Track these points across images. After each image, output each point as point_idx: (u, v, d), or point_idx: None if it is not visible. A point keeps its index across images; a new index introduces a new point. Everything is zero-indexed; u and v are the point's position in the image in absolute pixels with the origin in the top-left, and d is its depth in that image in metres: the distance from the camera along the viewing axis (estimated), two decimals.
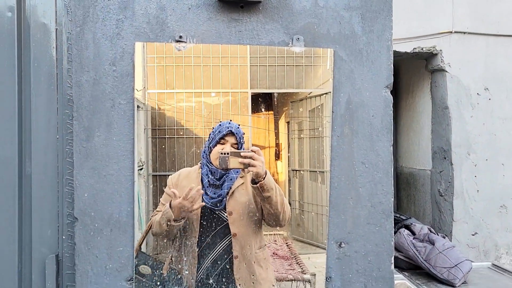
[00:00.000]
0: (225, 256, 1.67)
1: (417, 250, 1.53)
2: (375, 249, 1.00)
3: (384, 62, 0.99)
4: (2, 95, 0.97)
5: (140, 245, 1.92)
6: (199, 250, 1.77)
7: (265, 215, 1.67)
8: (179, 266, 1.77)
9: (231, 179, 1.68)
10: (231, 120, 1.79)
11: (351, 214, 1.00)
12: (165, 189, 1.76)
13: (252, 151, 1.50)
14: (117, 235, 0.95)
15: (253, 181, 1.61)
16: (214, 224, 1.70)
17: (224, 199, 1.64)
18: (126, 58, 0.96)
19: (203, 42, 0.99)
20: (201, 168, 1.74)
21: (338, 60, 1.00)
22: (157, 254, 1.93)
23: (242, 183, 1.65)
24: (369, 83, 0.99)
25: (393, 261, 1.00)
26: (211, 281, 1.70)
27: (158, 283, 1.83)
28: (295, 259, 4.16)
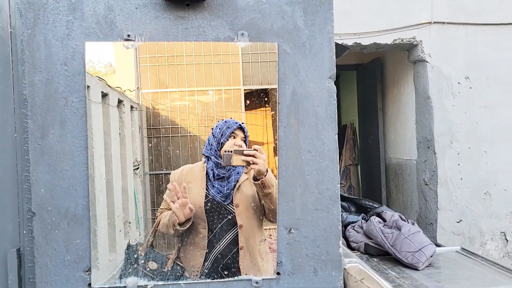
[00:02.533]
0: (232, 247, 1.76)
1: (385, 236, 1.57)
2: (323, 233, 1.04)
3: (327, 54, 1.03)
4: None
5: (147, 243, 1.99)
6: (208, 241, 1.88)
7: (265, 210, 1.74)
8: (187, 258, 1.84)
9: (238, 173, 1.76)
10: (231, 117, 1.90)
11: (299, 201, 1.04)
12: (168, 185, 1.83)
13: (254, 149, 1.60)
14: (74, 228, 0.99)
15: (255, 178, 1.71)
16: (221, 216, 1.78)
17: (232, 192, 1.75)
18: (77, 58, 1.00)
19: (151, 40, 1.03)
20: (206, 163, 1.83)
21: (282, 54, 1.04)
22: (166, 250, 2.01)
23: (247, 178, 1.74)
24: (313, 75, 1.03)
25: (341, 244, 1.04)
26: (218, 270, 1.80)
27: (163, 277, 1.91)
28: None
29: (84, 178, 1.00)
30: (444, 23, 3.03)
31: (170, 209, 1.76)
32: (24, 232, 1.01)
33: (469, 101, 3.00)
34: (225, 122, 1.86)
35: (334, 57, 1.03)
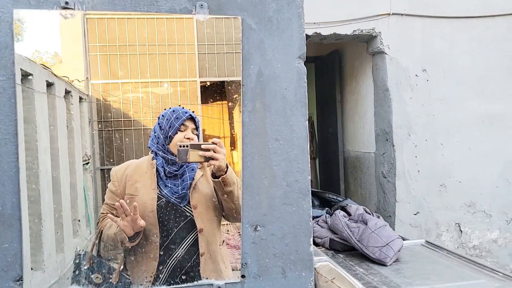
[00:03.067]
0: (191, 254, 1.56)
1: (351, 231, 1.50)
2: (292, 230, 0.94)
3: (296, 30, 0.92)
4: None
5: (92, 250, 1.78)
6: (161, 249, 1.64)
7: (224, 209, 1.56)
8: (137, 270, 1.65)
9: (192, 169, 1.57)
10: (180, 105, 1.68)
11: (266, 195, 0.93)
12: (108, 185, 1.62)
13: (213, 143, 1.41)
14: (1, 230, 0.84)
15: (214, 175, 1.50)
16: (177, 220, 1.57)
17: (188, 192, 1.55)
18: (4, 28, 0.84)
19: (94, 9, 0.88)
20: (155, 159, 1.64)
21: (246, 29, 0.92)
22: (111, 258, 1.80)
23: (203, 175, 1.56)
24: (281, 54, 0.92)
25: (311, 242, 0.95)
26: (176, 281, 1.58)
27: None
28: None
29: (13, 171, 0.84)
30: (402, 14, 3.02)
31: (114, 214, 1.54)
32: None
33: (426, 93, 3.01)
34: (173, 111, 1.64)
35: (304, 34, 0.93)
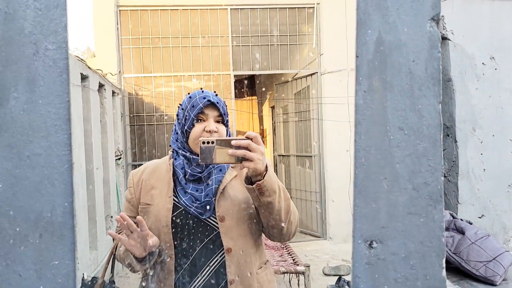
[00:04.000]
0: (217, 281, 1.25)
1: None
2: (419, 248, 0.72)
3: None
4: None
5: (103, 276, 1.52)
6: (177, 276, 1.29)
7: (264, 225, 1.28)
8: None
9: (220, 170, 1.28)
10: (202, 89, 1.41)
11: (385, 202, 0.71)
12: (125, 193, 1.37)
13: (247, 137, 1.11)
14: (50, 243, 0.65)
15: (248, 181, 1.19)
16: (199, 236, 1.27)
17: (213, 199, 1.26)
18: None
19: None
20: (174, 159, 1.32)
21: None
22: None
23: (236, 176, 1.27)
24: (408, 14, 0.70)
25: (444, 264, 0.73)
26: None
27: None
28: (286, 249, 3.83)
29: (65, 167, 0.65)
30: None
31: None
32: None
33: (494, 83, 2.73)
34: (190, 97, 1.31)
35: None
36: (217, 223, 1.28)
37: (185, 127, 1.31)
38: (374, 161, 0.70)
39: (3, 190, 0.64)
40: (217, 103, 1.28)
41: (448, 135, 2.84)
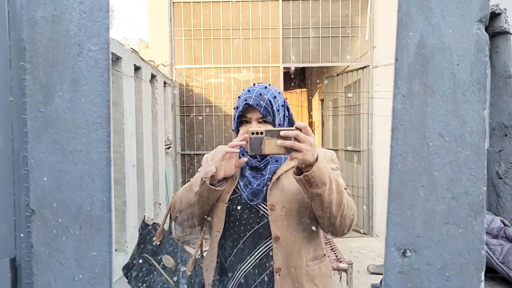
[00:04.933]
0: (263, 268, 1.28)
1: (490, 250, 1.21)
2: (457, 260, 0.69)
3: None
4: None
5: (163, 224, 1.61)
6: (226, 257, 1.35)
7: (316, 217, 1.29)
8: (204, 265, 1.45)
9: (276, 161, 1.31)
10: (255, 84, 1.42)
11: (421, 210, 0.69)
12: (198, 170, 1.42)
13: (296, 128, 1.11)
14: (88, 234, 0.68)
15: (298, 171, 1.19)
16: (249, 221, 1.31)
17: (264, 188, 1.30)
18: None
19: None
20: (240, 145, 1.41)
21: None
22: (185, 238, 1.61)
23: (293, 167, 1.29)
24: (454, 16, 0.66)
25: (483, 278, 0.69)
26: None
27: (177, 285, 1.52)
28: (329, 244, 3.79)
29: (104, 163, 0.68)
30: None
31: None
32: (22, 235, 0.71)
33: None
34: (239, 97, 1.35)
35: None
36: (267, 211, 1.30)
37: (234, 125, 1.36)
38: (411, 167, 0.68)
39: (48, 183, 0.68)
40: (257, 105, 1.28)
41: (506, 135, 2.68)
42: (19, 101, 0.70)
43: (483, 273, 0.69)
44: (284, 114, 1.35)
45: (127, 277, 1.61)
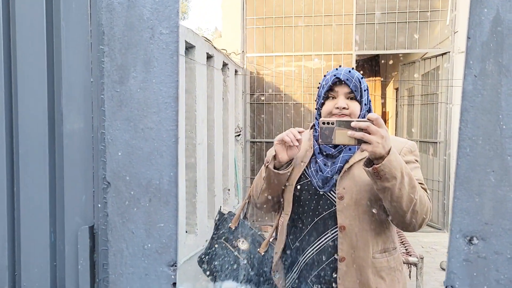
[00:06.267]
0: (327, 255, 1.29)
1: None
2: None
3: None
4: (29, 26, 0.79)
5: (241, 211, 1.68)
6: (293, 240, 1.38)
7: (387, 209, 1.27)
8: (277, 247, 1.49)
9: (350, 149, 1.30)
10: (340, 66, 1.42)
11: (491, 196, 0.65)
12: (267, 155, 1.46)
13: (368, 119, 1.10)
14: (157, 207, 0.73)
15: (368, 162, 1.17)
16: (319, 207, 1.32)
17: (335, 176, 1.29)
18: None
19: None
20: (314, 131, 1.40)
21: None
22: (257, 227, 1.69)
23: (366, 156, 1.28)
24: None
25: None
26: (308, 282, 1.32)
27: (253, 264, 1.58)
28: (400, 238, 3.68)
29: (172, 141, 0.72)
30: None
31: None
32: (99, 206, 0.78)
33: None
34: (324, 76, 1.34)
35: None
36: (335, 200, 1.30)
37: (318, 103, 1.36)
38: (481, 151, 0.65)
39: (122, 157, 0.73)
40: (347, 79, 1.28)
41: None
42: (98, 82, 0.75)
43: None
44: (368, 98, 1.34)
45: (201, 266, 1.70)
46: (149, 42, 0.71)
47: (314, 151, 1.37)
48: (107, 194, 0.74)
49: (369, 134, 1.08)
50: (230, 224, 1.67)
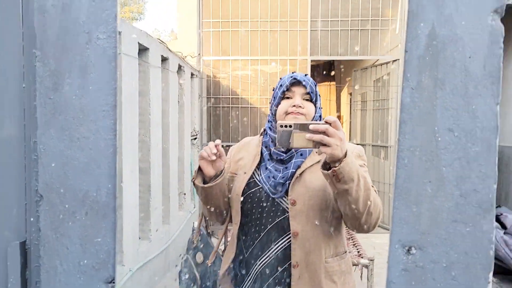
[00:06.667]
0: (281, 262, 1.29)
1: (510, 250, 1.16)
2: (463, 259, 0.67)
3: None
4: None
5: (199, 224, 1.65)
6: (246, 248, 1.36)
7: (342, 213, 1.27)
8: (225, 258, 1.46)
9: (301, 154, 1.30)
10: (295, 71, 1.44)
11: (428, 206, 0.67)
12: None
13: (326, 122, 1.09)
14: (94, 220, 0.70)
15: (326, 165, 1.18)
16: (271, 214, 1.31)
17: (286, 182, 1.29)
18: None
19: None
20: (264, 136, 1.39)
21: None
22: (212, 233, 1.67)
23: (319, 161, 1.25)
24: (467, 6, 0.64)
25: (491, 279, 0.67)
26: None
27: (203, 275, 1.55)
28: (352, 239, 3.76)
29: (111, 150, 0.69)
30: None
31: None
32: (32, 220, 0.73)
33: None
34: (280, 79, 1.35)
35: None
36: (287, 206, 1.30)
37: (273, 105, 1.35)
38: (418, 162, 0.66)
39: (56, 169, 0.69)
40: (304, 81, 1.29)
41: None
42: (31, 87, 0.71)
43: (491, 274, 0.67)
44: (320, 104, 1.36)
45: (180, 283, 1.68)
46: (85, 47, 0.68)
47: (264, 157, 1.36)
48: (39, 207, 0.70)
49: (328, 136, 1.09)
50: (193, 239, 1.65)
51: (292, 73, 1.35)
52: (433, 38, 0.64)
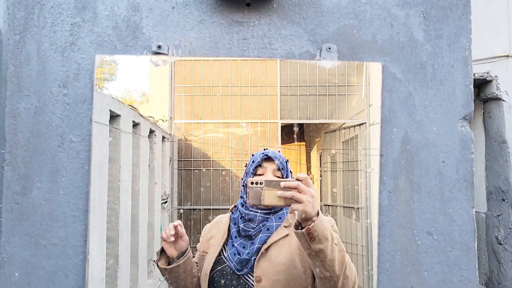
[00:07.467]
0: None
1: None
2: None
3: (460, 81, 0.67)
4: None
5: None
6: None
7: (316, 279, 1.22)
8: None
9: (268, 229, 1.26)
10: (266, 148, 1.45)
11: None
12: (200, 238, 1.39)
13: (297, 179, 1.10)
14: None
15: (298, 225, 1.18)
16: None
17: (252, 258, 1.26)
18: (83, 78, 0.68)
19: (192, 55, 0.69)
20: (233, 213, 1.39)
21: (389, 79, 0.68)
22: None
23: (286, 235, 1.23)
24: (438, 113, 0.66)
25: None
26: None
27: None
28: None
29: (80, 257, 0.65)
30: None
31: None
32: None
33: None
34: (253, 155, 1.40)
35: (471, 87, 0.66)
36: (252, 283, 1.25)
37: (245, 181, 1.33)
38: (399, 267, 0.65)
39: (20, 278, 0.65)
40: (275, 157, 1.30)
41: (503, 200, 2.65)
42: None
43: None
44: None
45: None
46: (57, 150, 0.66)
47: (231, 234, 1.34)
48: None
49: (299, 193, 1.07)
50: None
51: (264, 149, 1.36)
52: (407, 143, 0.66)
